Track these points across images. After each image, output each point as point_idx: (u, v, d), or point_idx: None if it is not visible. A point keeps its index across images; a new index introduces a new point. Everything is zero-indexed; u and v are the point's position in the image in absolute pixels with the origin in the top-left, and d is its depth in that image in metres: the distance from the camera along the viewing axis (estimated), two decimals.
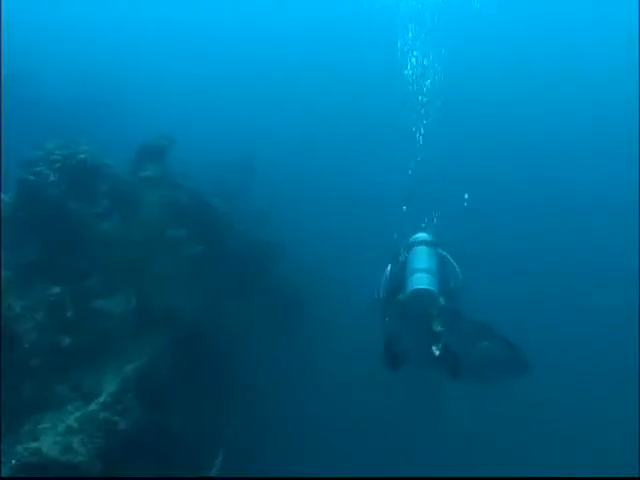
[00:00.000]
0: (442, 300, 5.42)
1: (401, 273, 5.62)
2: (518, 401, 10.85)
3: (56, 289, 5.90)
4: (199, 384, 7.70)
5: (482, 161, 17.19)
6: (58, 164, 6.19)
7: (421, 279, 5.35)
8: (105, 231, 6.78)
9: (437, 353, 5.32)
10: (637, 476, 8.96)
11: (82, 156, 6.48)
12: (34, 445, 4.79)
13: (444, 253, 6.01)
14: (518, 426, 10.84)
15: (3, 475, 4.71)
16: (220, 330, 8.37)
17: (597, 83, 21.24)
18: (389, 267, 6.10)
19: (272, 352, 9.50)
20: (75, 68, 17.60)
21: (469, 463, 9.63)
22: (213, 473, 7.11)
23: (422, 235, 5.98)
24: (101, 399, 5.76)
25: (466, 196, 7.30)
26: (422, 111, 8.36)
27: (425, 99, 8.49)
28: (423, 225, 6.67)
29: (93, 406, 5.61)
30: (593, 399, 11.49)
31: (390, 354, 5.43)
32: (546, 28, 23.45)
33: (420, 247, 5.72)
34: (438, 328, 5.36)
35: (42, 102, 13.93)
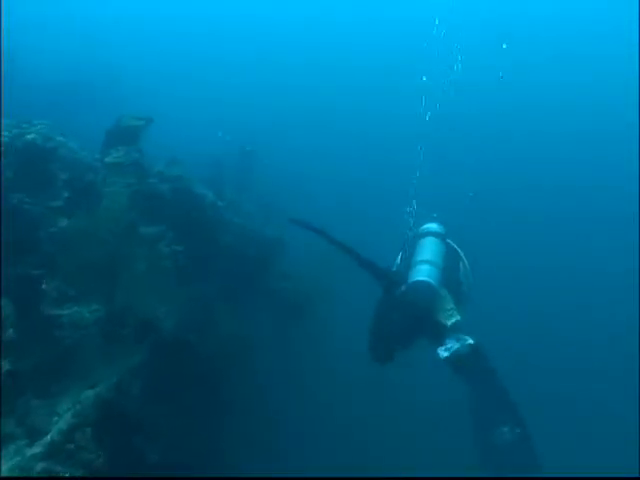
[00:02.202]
0: (444, 292, 5.03)
1: (406, 265, 5.27)
2: (518, 401, 10.39)
3: None
4: (184, 408, 6.56)
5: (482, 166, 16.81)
6: None
7: (421, 271, 4.98)
8: (63, 228, 5.62)
9: (445, 355, 4.78)
10: (637, 476, 8.85)
11: (30, 137, 5.30)
12: None
13: (454, 245, 5.61)
14: None
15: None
16: (210, 341, 7.20)
17: (599, 85, 21.34)
18: (399, 257, 5.64)
19: (271, 362, 8.38)
20: (71, 64, 16.74)
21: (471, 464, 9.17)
22: None
23: (432, 226, 5.61)
24: (47, 438, 4.64)
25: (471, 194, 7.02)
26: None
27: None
28: (435, 215, 6.28)
29: (35, 449, 4.49)
30: (593, 399, 11.51)
31: (378, 349, 5.11)
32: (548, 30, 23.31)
33: (427, 238, 5.38)
34: (449, 321, 4.92)
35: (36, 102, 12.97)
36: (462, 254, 5.59)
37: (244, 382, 7.62)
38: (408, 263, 5.24)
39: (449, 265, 5.28)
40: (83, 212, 5.79)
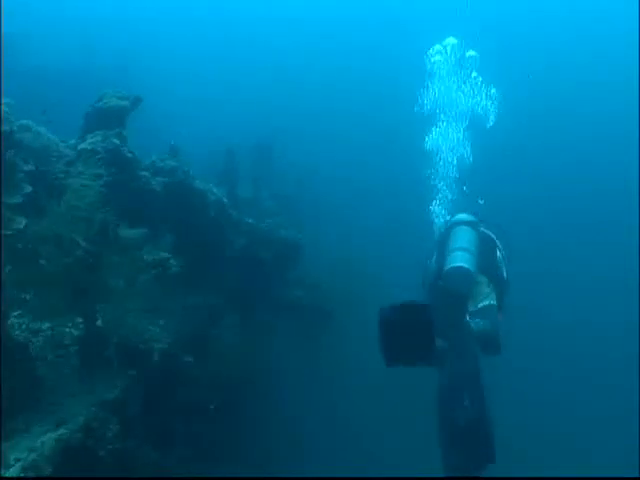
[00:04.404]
0: (482, 279, 4.85)
1: (440, 259, 5.09)
2: (517, 401, 10.61)
3: None
4: (178, 449, 5.48)
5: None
6: None
7: (455, 257, 4.78)
8: (25, 230, 4.61)
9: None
10: (637, 476, 8.82)
11: None
12: None
13: (488, 232, 5.42)
14: (517, 426, 10.11)
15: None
16: (212, 363, 6.12)
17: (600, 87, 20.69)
18: (434, 257, 5.41)
19: (290, 388, 7.24)
20: (81, 55, 16.25)
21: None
22: None
23: (462, 216, 5.46)
24: None
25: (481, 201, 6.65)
26: None
27: None
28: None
29: None
30: (593, 400, 11.45)
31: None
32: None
33: (458, 227, 5.19)
34: (480, 303, 4.72)
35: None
36: (497, 241, 5.36)
37: (256, 412, 6.50)
38: (441, 258, 5.04)
39: (485, 253, 5.07)
40: (50, 211, 4.75)
